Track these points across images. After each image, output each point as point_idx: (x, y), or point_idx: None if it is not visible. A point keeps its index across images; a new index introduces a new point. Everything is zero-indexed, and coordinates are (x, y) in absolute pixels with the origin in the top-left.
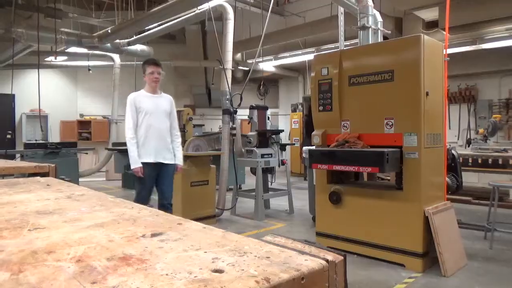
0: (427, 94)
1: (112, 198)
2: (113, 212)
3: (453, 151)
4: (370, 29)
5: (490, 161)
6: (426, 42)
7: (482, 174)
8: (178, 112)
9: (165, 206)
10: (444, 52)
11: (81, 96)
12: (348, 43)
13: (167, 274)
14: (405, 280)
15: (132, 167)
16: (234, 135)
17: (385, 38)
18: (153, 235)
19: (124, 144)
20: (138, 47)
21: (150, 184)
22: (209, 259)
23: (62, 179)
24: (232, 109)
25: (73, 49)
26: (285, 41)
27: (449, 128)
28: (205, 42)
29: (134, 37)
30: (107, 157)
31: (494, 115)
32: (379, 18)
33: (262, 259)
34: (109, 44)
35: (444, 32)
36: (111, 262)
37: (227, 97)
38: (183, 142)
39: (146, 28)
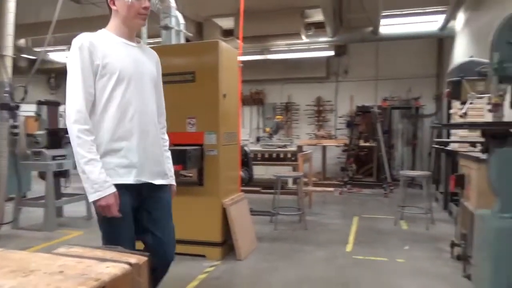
0: (224, 96)
1: None
2: None
3: (245, 148)
4: (173, 29)
5: (274, 155)
6: (224, 48)
7: (269, 166)
8: None
9: (167, 266)
10: (238, 59)
11: None
12: (152, 41)
13: None
14: (206, 270)
15: (92, 196)
16: (16, 134)
17: (187, 40)
18: None
19: None
20: None
21: (129, 228)
22: None
23: None
24: (12, 104)
25: None
26: (81, 31)
27: (243, 127)
28: None
29: None
30: None
31: (277, 116)
32: (181, 20)
33: (54, 275)
34: None
35: (239, 41)
36: None
37: (7, 89)
38: None
39: None
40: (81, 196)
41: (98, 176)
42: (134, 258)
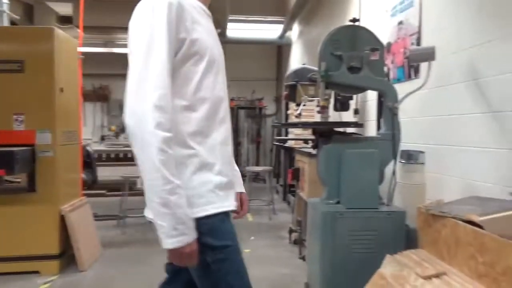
0: (61, 90)
1: None
2: None
3: (88, 148)
4: None
5: (121, 155)
6: (60, 37)
7: (115, 167)
8: None
9: None
10: (79, 50)
11: None
12: None
13: None
14: (40, 287)
15: (173, 242)
16: None
17: (13, 23)
18: None
19: None
20: None
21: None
22: None
23: None
24: None
25: None
26: None
27: (85, 125)
28: None
29: None
30: None
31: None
32: None
33: None
34: None
35: (79, 30)
36: None
37: None
38: None
39: None
40: None
41: (185, 211)
42: None
